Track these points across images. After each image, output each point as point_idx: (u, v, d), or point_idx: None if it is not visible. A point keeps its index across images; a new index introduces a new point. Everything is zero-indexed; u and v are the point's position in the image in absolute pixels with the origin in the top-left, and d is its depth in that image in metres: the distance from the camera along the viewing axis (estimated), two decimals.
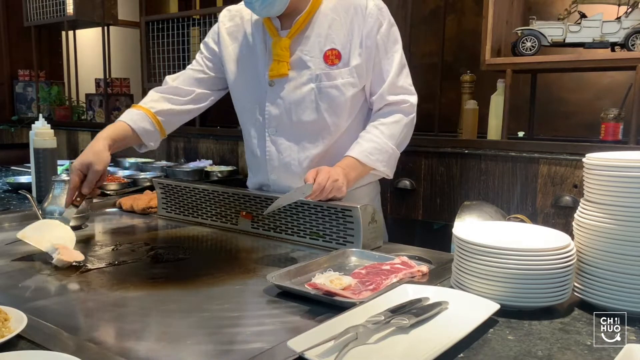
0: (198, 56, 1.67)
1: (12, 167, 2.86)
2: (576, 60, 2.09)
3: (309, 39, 1.48)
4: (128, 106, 3.87)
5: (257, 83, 1.54)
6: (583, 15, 2.16)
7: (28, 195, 1.58)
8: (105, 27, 3.85)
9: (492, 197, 2.19)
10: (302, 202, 1.41)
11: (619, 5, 2.14)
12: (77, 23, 3.91)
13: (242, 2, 1.61)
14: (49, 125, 1.89)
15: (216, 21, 1.65)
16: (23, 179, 2.27)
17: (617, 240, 0.91)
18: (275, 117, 1.53)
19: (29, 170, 2.02)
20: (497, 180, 2.20)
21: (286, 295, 1.05)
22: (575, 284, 0.98)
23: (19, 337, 0.79)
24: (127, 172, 2.70)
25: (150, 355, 0.83)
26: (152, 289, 1.11)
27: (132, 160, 3.02)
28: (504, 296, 0.93)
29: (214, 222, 1.64)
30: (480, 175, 2.24)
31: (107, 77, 3.88)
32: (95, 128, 3.77)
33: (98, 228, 1.65)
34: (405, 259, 1.18)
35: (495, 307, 0.89)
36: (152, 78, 3.30)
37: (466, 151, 2.27)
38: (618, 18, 2.09)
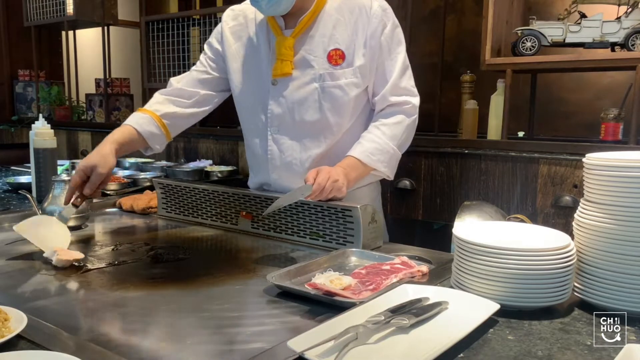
0: (202, 57, 1.68)
1: (12, 167, 2.87)
2: (576, 60, 2.09)
3: (313, 39, 1.48)
4: (128, 106, 3.91)
5: (260, 82, 1.55)
6: (583, 15, 2.16)
7: (28, 195, 1.58)
8: (105, 27, 3.85)
9: (492, 197, 2.19)
10: (302, 202, 1.41)
11: (619, 5, 2.14)
12: (77, 23, 3.91)
13: (246, 2, 1.61)
14: (49, 125, 1.89)
15: (216, 21, 1.66)
16: (23, 179, 2.27)
17: (617, 240, 0.91)
18: (277, 116, 1.53)
19: (29, 170, 2.02)
20: (497, 180, 2.20)
21: (286, 295, 1.05)
22: (575, 284, 0.98)
23: (19, 337, 0.79)
24: (127, 172, 2.70)
25: (150, 355, 0.83)
26: (152, 289, 1.11)
27: (132, 160, 3.02)
28: (504, 296, 0.93)
29: (214, 222, 1.64)
30: (480, 175, 2.24)
31: (107, 77, 3.88)
32: (95, 128, 3.77)
33: (98, 228, 1.65)
34: (405, 259, 1.18)
35: (495, 307, 0.89)
36: (152, 78, 3.30)
37: (466, 151, 2.27)
38: (618, 18, 2.09)
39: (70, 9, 3.80)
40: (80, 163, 1.42)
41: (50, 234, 1.32)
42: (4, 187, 2.23)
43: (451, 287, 1.02)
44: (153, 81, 3.27)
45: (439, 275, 1.14)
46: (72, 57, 3.94)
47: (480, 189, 2.24)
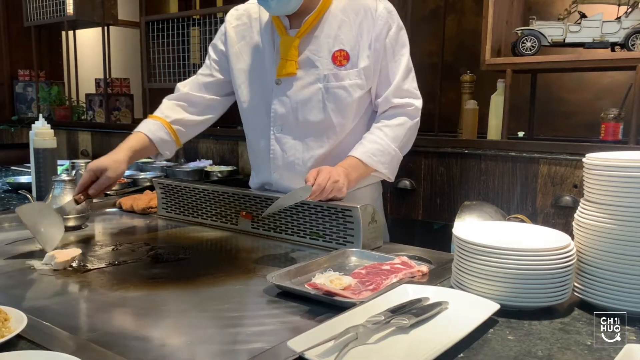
0: (207, 60, 1.68)
1: (12, 167, 2.87)
2: (576, 60, 2.09)
3: (317, 39, 1.49)
4: (128, 106, 3.91)
5: (264, 81, 1.55)
6: (583, 15, 2.16)
7: (28, 195, 1.58)
8: (105, 27, 3.84)
9: (492, 197, 2.19)
10: (302, 202, 1.41)
11: (619, 5, 2.14)
12: (77, 23, 3.90)
13: (249, 1, 1.61)
14: (49, 125, 1.89)
15: (216, 21, 1.65)
16: (23, 179, 2.28)
17: (617, 240, 0.91)
18: (281, 115, 1.53)
19: (29, 170, 2.03)
20: (497, 180, 2.20)
21: (286, 295, 1.05)
22: (575, 284, 0.98)
23: (19, 337, 0.79)
24: (127, 172, 2.69)
25: (151, 355, 0.83)
26: (152, 289, 1.11)
27: None
28: (504, 296, 0.93)
29: (214, 222, 1.64)
30: (480, 175, 2.24)
31: (107, 77, 3.88)
32: (95, 128, 3.77)
33: (98, 228, 1.65)
34: (405, 259, 1.18)
35: (495, 307, 0.89)
36: (152, 78, 3.30)
37: (466, 151, 2.27)
38: (618, 18, 2.09)
39: (70, 9, 3.80)
40: (92, 163, 1.45)
41: (44, 220, 1.36)
42: (4, 187, 2.23)
43: (451, 287, 1.02)
44: (153, 81, 3.27)
45: (439, 275, 1.14)
46: (72, 57, 3.94)
47: (480, 189, 2.24)
